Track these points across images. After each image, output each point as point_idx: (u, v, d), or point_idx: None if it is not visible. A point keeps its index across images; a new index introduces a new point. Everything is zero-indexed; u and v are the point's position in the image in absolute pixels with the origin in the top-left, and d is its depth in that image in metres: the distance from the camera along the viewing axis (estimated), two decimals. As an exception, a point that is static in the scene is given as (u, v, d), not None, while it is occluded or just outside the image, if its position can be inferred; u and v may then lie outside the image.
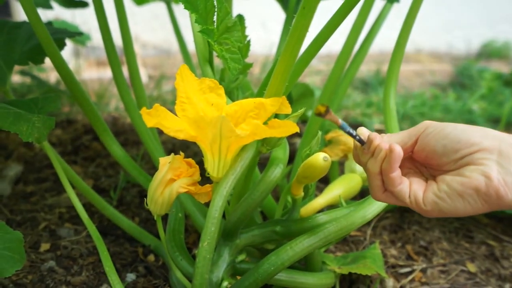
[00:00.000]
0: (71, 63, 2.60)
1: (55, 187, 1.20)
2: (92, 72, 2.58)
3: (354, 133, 0.62)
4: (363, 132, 0.64)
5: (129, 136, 1.55)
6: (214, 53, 0.92)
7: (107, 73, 2.47)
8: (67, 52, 2.79)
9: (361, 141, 0.63)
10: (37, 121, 0.77)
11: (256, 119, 0.70)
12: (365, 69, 2.81)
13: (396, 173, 0.59)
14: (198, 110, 0.71)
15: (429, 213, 0.59)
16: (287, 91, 0.78)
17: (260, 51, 2.61)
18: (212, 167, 0.71)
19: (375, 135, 0.62)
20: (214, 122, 0.64)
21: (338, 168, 1.17)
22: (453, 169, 0.57)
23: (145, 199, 0.74)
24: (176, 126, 0.66)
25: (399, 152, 0.58)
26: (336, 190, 0.94)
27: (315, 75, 2.84)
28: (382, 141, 0.61)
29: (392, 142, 0.60)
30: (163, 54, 3.36)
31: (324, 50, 0.89)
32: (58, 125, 1.62)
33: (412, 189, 0.60)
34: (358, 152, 0.65)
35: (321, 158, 0.73)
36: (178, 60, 3.23)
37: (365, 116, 2.00)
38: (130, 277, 0.89)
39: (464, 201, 0.55)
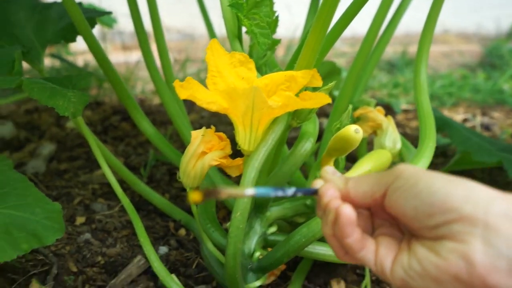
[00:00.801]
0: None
1: (87, 165, 1.23)
2: (118, 56, 2.61)
3: (287, 192, 0.52)
4: (325, 175, 0.53)
5: (156, 116, 1.58)
6: (243, 31, 0.92)
7: (133, 56, 2.50)
8: (93, 37, 2.84)
9: (309, 192, 0.53)
10: (73, 96, 0.78)
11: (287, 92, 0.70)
12: (391, 51, 2.76)
13: (352, 238, 0.47)
14: (229, 84, 0.72)
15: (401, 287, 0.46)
16: (318, 64, 0.78)
17: (285, 34, 2.59)
18: (244, 140, 0.72)
19: (326, 189, 0.50)
20: (246, 93, 0.64)
21: (366, 146, 1.16)
22: (429, 237, 0.43)
23: (177, 172, 0.75)
24: (209, 98, 0.67)
25: (348, 217, 0.46)
26: (365, 166, 0.93)
27: (339, 57, 2.81)
28: (333, 198, 0.49)
29: (341, 205, 0.47)
30: (186, 39, 3.37)
31: (349, 32, 0.88)
32: (87, 106, 1.65)
33: (379, 255, 0.47)
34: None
35: (352, 130, 0.72)
36: (201, 44, 3.23)
37: (392, 97, 1.97)
38: (163, 250, 0.92)
39: (440, 284, 0.42)
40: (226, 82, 0.72)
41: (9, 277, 0.81)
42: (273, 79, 0.73)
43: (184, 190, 1.13)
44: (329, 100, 0.66)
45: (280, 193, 0.52)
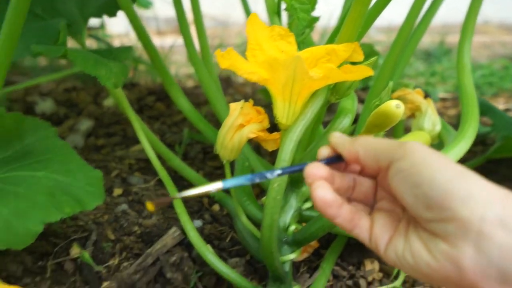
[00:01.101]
0: (133, 32, 2.69)
1: (124, 141, 1.26)
2: (153, 40, 2.64)
3: (268, 176, 0.50)
4: (332, 140, 0.51)
5: (190, 98, 1.57)
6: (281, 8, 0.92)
7: (167, 41, 2.53)
8: (127, 23, 2.89)
9: (298, 170, 0.52)
10: (114, 67, 0.80)
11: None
12: (428, 40, 2.70)
13: (340, 219, 0.47)
14: (269, 57, 0.72)
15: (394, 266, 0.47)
16: (359, 39, 0.77)
17: (319, 23, 2.56)
18: (282, 113, 0.72)
19: (309, 169, 0.48)
20: (288, 63, 0.64)
21: (403, 128, 1.14)
22: (425, 229, 0.42)
23: (211, 151, 0.76)
24: (249, 68, 0.67)
25: (321, 201, 0.46)
26: (403, 147, 0.92)
27: (374, 45, 2.76)
28: (314, 180, 0.48)
29: (317, 188, 0.46)
30: (220, 26, 3.38)
31: (384, 21, 0.86)
32: (123, 87, 1.68)
33: (374, 234, 0.47)
34: None
35: (393, 105, 0.71)
36: (234, 32, 3.24)
37: (429, 85, 1.93)
38: (197, 223, 0.93)
39: (432, 280, 0.42)
40: (266, 55, 0.72)
41: (51, 241, 0.84)
42: (313, 53, 0.72)
43: (218, 168, 1.14)
44: (372, 73, 0.64)
45: (257, 180, 0.50)
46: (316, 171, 0.49)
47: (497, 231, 0.37)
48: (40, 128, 0.80)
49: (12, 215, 0.65)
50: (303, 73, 0.64)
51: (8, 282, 0.68)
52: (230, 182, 0.49)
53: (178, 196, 0.48)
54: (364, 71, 0.66)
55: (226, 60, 0.67)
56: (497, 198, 0.38)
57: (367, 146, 0.48)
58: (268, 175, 0.50)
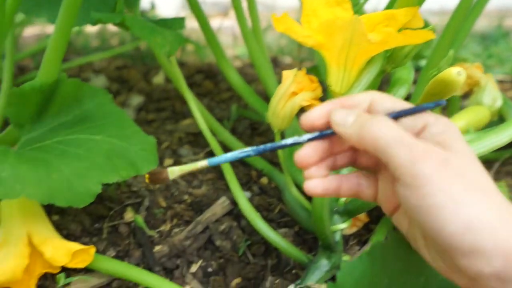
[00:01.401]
0: (180, 15, 2.73)
1: (173, 116, 1.28)
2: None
3: (259, 150, 0.49)
4: (339, 129, 0.46)
5: (237, 77, 1.60)
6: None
7: (214, 24, 2.55)
8: (177, 5, 2.93)
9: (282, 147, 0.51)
10: (169, 35, 0.81)
11: (386, 30, 0.68)
12: (484, 24, 2.58)
13: (342, 196, 0.48)
14: (325, 20, 0.70)
15: None
16: (420, 4, 0.74)
17: (368, 6, 2.50)
18: (336, 81, 0.70)
19: (302, 157, 0.46)
20: (346, 25, 0.62)
21: (459, 103, 1.10)
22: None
23: (258, 127, 0.75)
24: (305, 32, 0.66)
25: (315, 194, 0.46)
26: (460, 121, 0.88)
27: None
28: (305, 168, 0.47)
29: (309, 181, 0.46)
30: (266, 10, 3.38)
31: (437, 5, 0.82)
32: (172, 66, 1.71)
33: (378, 202, 0.48)
34: None
35: (454, 72, 0.68)
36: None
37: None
38: (246, 194, 0.93)
39: None
40: (322, 21, 0.71)
41: (106, 205, 0.87)
42: (370, 19, 0.70)
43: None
44: (433, 36, 0.62)
45: (240, 157, 0.49)
46: (304, 157, 0.46)
47: (492, 283, 0.37)
48: (98, 95, 0.82)
49: (73, 175, 0.68)
50: (361, 36, 0.62)
51: (68, 240, 0.71)
52: (214, 160, 0.50)
53: (169, 173, 0.50)
54: (425, 35, 0.63)
55: (282, 24, 0.66)
56: (501, 252, 0.36)
57: (380, 147, 0.40)
58: (251, 152, 0.50)
